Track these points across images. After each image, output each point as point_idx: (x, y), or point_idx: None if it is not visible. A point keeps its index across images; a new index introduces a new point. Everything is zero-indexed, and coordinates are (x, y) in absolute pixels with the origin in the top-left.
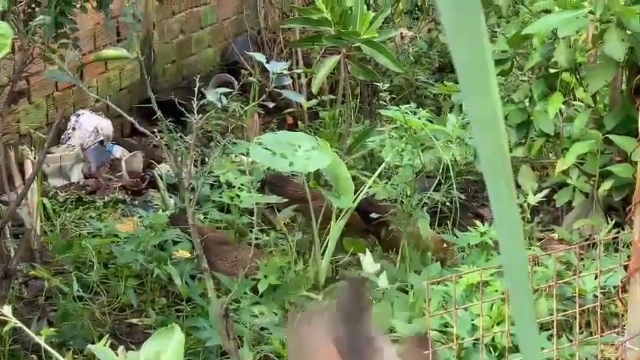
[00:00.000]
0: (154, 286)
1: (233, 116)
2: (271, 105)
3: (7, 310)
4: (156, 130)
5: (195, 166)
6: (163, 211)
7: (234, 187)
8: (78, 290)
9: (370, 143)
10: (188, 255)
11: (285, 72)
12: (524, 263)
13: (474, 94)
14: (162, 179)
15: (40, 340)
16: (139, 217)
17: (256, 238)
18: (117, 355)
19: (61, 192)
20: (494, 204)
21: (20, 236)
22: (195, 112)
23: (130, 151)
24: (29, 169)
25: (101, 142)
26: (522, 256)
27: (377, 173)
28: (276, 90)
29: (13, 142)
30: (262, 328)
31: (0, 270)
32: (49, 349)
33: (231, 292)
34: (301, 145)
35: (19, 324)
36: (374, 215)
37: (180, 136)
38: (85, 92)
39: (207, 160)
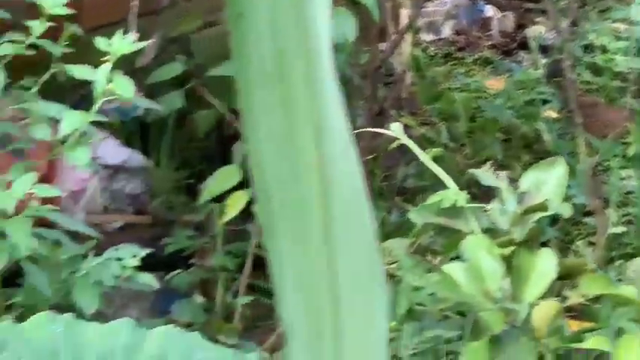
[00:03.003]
0: (519, 142)
1: None
2: None
3: (396, 126)
4: None
5: (573, 25)
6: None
7: (608, 51)
8: (447, 138)
9: None
10: (556, 115)
11: None
12: None
13: None
14: (534, 40)
15: (427, 160)
16: (509, 76)
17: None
18: (499, 179)
19: (431, 46)
20: None
21: (390, 85)
22: None
23: (501, 12)
24: (404, 20)
25: (473, 0)
26: None
27: None
28: None
29: None
30: (628, 192)
31: (375, 107)
32: (439, 172)
33: (599, 152)
34: None
35: (408, 141)
36: None
37: None
38: None
39: (581, 23)
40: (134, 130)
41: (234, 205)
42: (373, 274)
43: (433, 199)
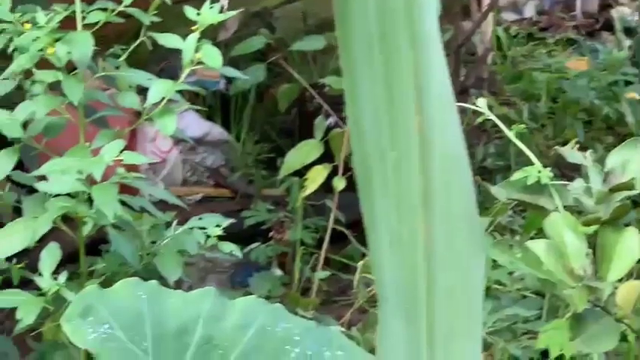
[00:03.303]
0: (601, 124)
1: None
2: None
3: (481, 102)
4: None
5: None
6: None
7: None
8: (528, 118)
9: None
10: (638, 97)
11: None
12: None
13: None
14: (618, 22)
15: (512, 136)
16: (592, 57)
17: None
18: (585, 158)
19: (514, 26)
20: None
21: (472, 64)
22: None
23: None
24: (486, 0)
25: None
26: None
27: None
28: None
29: None
30: None
31: (457, 86)
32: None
33: None
34: None
35: (493, 117)
36: None
37: None
38: None
39: None
40: (215, 104)
41: (314, 179)
42: (472, 240)
43: (517, 175)
